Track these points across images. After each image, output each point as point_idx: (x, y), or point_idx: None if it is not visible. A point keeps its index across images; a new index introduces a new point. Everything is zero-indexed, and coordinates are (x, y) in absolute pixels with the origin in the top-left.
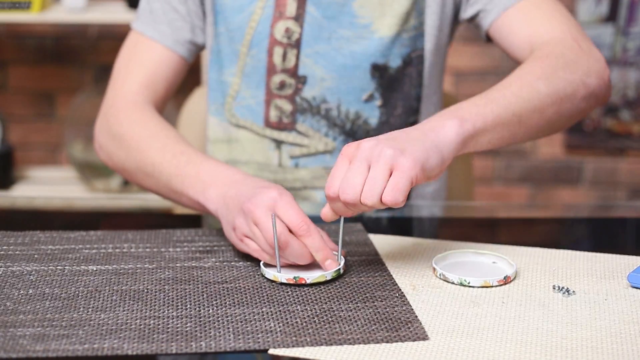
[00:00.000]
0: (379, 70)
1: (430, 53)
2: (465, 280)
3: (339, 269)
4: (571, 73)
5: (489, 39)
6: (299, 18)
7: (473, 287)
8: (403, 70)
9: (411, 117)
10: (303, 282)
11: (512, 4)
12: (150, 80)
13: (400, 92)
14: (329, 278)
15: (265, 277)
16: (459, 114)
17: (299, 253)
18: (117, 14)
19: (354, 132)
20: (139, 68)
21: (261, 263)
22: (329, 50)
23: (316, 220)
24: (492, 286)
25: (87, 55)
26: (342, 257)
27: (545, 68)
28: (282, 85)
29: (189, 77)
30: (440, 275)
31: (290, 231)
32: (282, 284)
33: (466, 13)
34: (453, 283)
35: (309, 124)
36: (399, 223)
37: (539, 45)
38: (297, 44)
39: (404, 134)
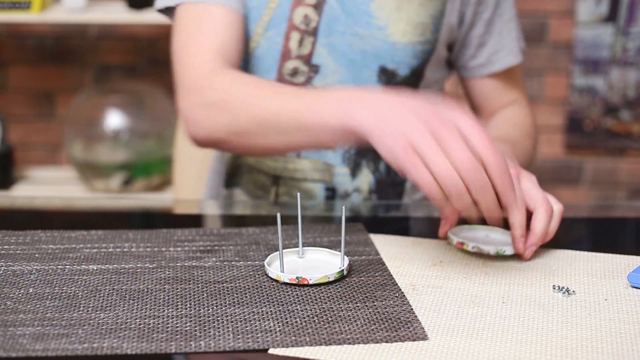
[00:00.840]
0: (386, 75)
1: (432, 65)
2: (501, 250)
3: (342, 270)
4: (532, 155)
5: (451, 67)
6: (318, 6)
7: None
8: (409, 81)
9: None
10: (305, 282)
11: (504, 66)
12: (223, 46)
13: None
14: (332, 279)
15: (268, 276)
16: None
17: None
18: (117, 14)
19: None
20: (209, 37)
21: (265, 262)
22: (341, 44)
23: (315, 219)
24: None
25: (87, 55)
26: (345, 257)
27: (527, 148)
28: (295, 72)
29: None
30: (473, 248)
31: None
32: (282, 283)
33: (455, 45)
34: (489, 254)
35: None
36: (399, 223)
37: (522, 118)
38: (314, 32)
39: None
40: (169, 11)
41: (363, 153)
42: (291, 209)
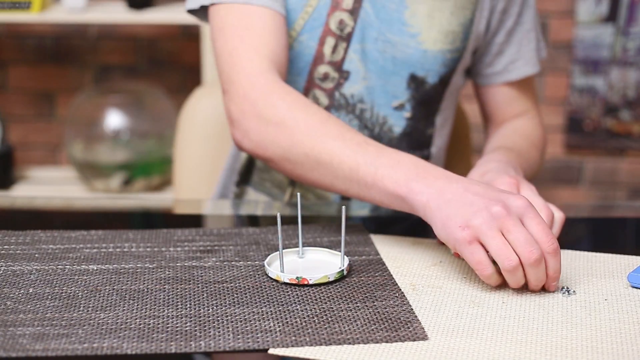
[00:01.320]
0: (415, 83)
1: (457, 73)
2: None
3: (342, 270)
4: (538, 166)
5: (467, 73)
6: (354, 12)
7: None
8: (437, 88)
9: (428, 129)
10: (305, 282)
11: (520, 76)
12: (274, 53)
13: (428, 107)
14: (332, 279)
15: (268, 276)
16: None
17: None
18: (117, 14)
19: (380, 137)
20: (260, 42)
21: (265, 262)
22: (373, 50)
23: (324, 219)
24: None
25: (87, 55)
26: (345, 257)
27: (534, 158)
28: (325, 77)
29: (188, 77)
30: None
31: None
32: (282, 283)
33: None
34: None
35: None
36: (399, 223)
37: (531, 129)
38: (348, 38)
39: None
40: (200, 13)
41: None
42: (304, 209)
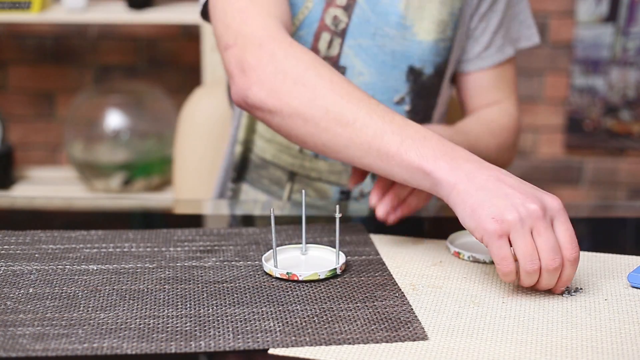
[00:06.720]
0: (414, 74)
1: (451, 64)
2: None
3: (335, 268)
4: (497, 153)
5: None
6: (348, 8)
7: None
8: (432, 79)
9: (426, 123)
10: (295, 278)
11: (492, 63)
12: (283, 15)
13: (426, 100)
14: (322, 277)
15: (266, 273)
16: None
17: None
18: (117, 14)
19: None
20: (268, 2)
21: (263, 257)
22: (372, 45)
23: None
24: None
25: (87, 55)
26: (342, 255)
27: (486, 144)
28: None
29: (188, 77)
30: (469, 257)
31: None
32: (281, 282)
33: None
34: (485, 262)
35: None
36: (399, 223)
37: (496, 118)
38: (343, 34)
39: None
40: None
41: None
42: (304, 208)
